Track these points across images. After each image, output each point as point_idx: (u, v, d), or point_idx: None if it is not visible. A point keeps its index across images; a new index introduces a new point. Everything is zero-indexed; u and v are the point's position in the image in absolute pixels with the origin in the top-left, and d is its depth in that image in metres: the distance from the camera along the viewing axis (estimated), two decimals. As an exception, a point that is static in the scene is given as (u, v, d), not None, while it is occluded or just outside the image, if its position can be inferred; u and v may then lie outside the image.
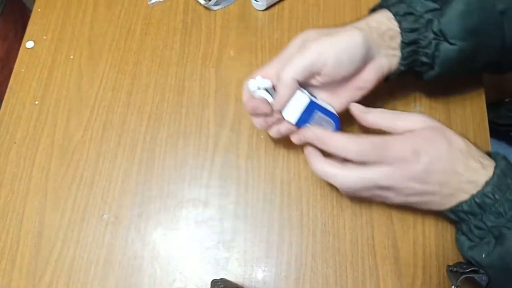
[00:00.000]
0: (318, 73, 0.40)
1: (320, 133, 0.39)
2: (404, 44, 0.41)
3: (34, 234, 0.48)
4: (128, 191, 0.50)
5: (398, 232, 0.47)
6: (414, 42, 0.41)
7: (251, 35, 0.57)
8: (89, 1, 0.60)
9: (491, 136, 0.50)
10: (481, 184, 0.37)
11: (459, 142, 0.38)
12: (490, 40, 0.41)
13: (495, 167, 0.38)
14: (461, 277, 0.40)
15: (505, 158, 0.39)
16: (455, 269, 0.42)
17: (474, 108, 0.51)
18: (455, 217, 0.40)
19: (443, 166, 0.37)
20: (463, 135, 0.39)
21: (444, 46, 0.40)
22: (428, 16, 0.40)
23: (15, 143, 0.53)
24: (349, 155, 0.38)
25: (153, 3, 0.59)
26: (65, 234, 0.48)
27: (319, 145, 0.40)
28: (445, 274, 0.45)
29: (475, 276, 0.40)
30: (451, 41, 0.40)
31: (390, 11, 0.41)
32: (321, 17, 0.57)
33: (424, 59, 0.42)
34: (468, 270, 0.41)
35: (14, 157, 0.52)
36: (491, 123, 0.51)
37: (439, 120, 0.50)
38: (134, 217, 0.49)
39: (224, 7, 0.58)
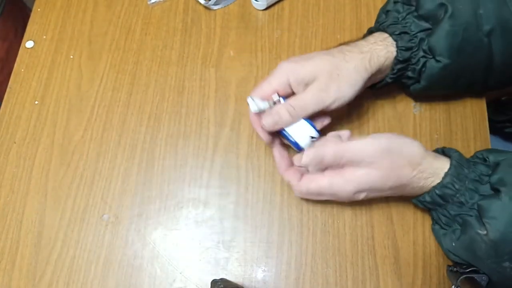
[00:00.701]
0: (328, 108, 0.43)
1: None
2: (397, 61, 0.44)
3: (34, 234, 0.48)
4: (128, 191, 0.50)
5: (398, 232, 0.47)
6: (406, 60, 0.44)
7: (251, 35, 0.57)
8: (89, 1, 0.60)
9: (486, 131, 0.51)
10: (428, 187, 0.40)
11: (406, 158, 0.39)
12: (474, 61, 0.44)
13: (451, 159, 0.40)
14: (461, 277, 0.40)
15: (457, 151, 0.41)
16: (455, 269, 0.42)
17: (474, 107, 0.52)
18: (422, 206, 0.43)
19: (385, 187, 0.40)
20: (416, 139, 0.41)
21: (431, 63, 0.44)
22: (421, 35, 0.43)
23: (15, 143, 0.53)
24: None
25: (153, 3, 0.59)
26: (65, 234, 0.48)
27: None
28: (445, 274, 0.45)
29: (475, 276, 0.40)
30: (437, 58, 0.43)
31: (387, 32, 0.44)
32: (321, 17, 0.57)
33: (410, 73, 0.45)
34: (468, 270, 0.41)
35: (14, 157, 0.52)
36: (488, 119, 0.51)
37: (438, 120, 0.50)
38: (134, 217, 0.49)
39: (224, 6, 0.58)
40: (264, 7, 0.57)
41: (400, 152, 0.39)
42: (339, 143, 0.40)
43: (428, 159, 0.40)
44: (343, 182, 0.40)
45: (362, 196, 0.41)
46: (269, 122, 0.42)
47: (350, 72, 0.42)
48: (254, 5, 0.58)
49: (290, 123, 0.42)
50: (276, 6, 0.58)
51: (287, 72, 0.43)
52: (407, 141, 0.40)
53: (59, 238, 0.48)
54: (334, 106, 0.42)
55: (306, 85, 0.43)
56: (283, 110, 0.42)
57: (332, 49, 0.45)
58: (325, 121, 0.45)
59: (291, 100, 0.42)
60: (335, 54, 0.43)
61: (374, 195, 0.41)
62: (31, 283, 0.46)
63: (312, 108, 0.42)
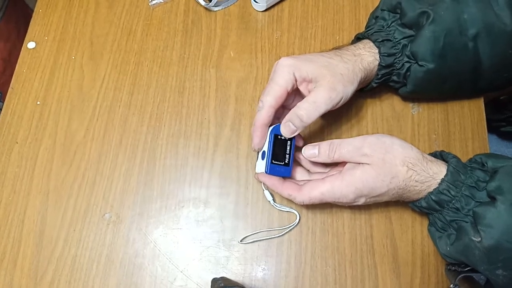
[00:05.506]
0: None
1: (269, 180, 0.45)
2: (381, 67, 0.45)
3: (35, 234, 0.49)
4: (129, 191, 0.50)
5: (397, 232, 0.47)
6: (390, 66, 0.45)
7: (251, 36, 0.57)
8: (90, 2, 0.61)
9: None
10: (425, 192, 0.40)
11: (398, 162, 0.40)
12: (459, 64, 0.45)
13: (448, 164, 0.40)
14: (460, 276, 0.41)
15: (455, 156, 0.42)
16: (453, 268, 0.43)
17: (472, 108, 0.52)
18: (418, 210, 0.43)
19: (383, 187, 0.40)
20: (414, 145, 0.41)
21: (415, 67, 0.45)
22: (403, 41, 0.45)
23: (17, 143, 0.53)
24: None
25: (154, 4, 0.60)
26: (67, 233, 0.49)
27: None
28: (444, 273, 0.45)
29: (473, 275, 0.40)
30: (420, 63, 0.44)
31: (371, 39, 0.46)
32: (320, 18, 0.58)
33: (396, 78, 0.47)
34: (466, 269, 0.41)
35: (16, 157, 0.52)
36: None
37: (437, 120, 0.51)
38: (135, 216, 0.49)
39: (224, 8, 0.59)
40: (264, 8, 0.58)
41: (391, 148, 0.40)
42: (333, 140, 0.42)
43: (424, 162, 0.40)
44: (344, 185, 0.40)
45: (362, 200, 0.41)
46: (287, 131, 0.43)
47: (349, 72, 0.43)
48: (254, 6, 0.58)
49: (305, 123, 0.42)
50: (275, 8, 0.59)
51: (291, 67, 0.42)
52: (399, 142, 0.41)
53: (61, 237, 0.48)
54: (339, 105, 0.43)
55: (310, 83, 0.43)
56: (300, 110, 0.42)
57: (326, 52, 0.45)
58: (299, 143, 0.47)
59: (302, 103, 0.42)
60: (332, 56, 0.44)
61: (374, 199, 0.41)
62: (33, 281, 0.47)
63: (324, 107, 0.42)
